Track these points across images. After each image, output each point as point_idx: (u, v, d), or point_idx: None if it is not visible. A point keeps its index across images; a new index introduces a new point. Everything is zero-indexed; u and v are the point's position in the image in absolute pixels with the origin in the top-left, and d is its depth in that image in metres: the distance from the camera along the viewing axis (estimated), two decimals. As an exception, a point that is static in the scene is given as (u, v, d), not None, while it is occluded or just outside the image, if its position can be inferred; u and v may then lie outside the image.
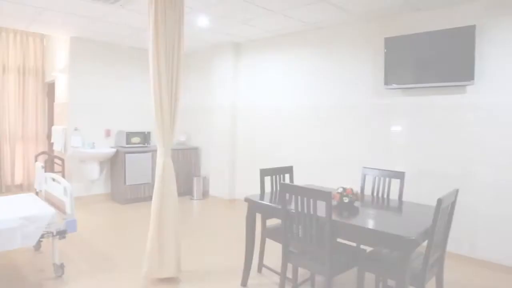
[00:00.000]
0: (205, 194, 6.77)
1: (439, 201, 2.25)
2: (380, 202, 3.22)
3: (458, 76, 3.78)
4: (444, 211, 2.40)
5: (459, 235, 3.93)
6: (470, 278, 3.54)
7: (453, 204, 2.59)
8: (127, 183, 5.99)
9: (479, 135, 3.81)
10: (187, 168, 6.81)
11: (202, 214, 5.72)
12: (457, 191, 2.61)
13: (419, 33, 4.03)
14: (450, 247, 3.94)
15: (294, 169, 3.84)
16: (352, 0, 3.88)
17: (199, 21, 4.80)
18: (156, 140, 3.28)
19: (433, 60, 3.94)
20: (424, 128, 4.16)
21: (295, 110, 5.39)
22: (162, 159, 3.25)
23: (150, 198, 3.39)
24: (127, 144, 6.16)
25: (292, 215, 2.66)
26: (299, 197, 2.55)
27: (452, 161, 3.97)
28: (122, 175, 5.97)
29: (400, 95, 4.32)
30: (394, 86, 4.21)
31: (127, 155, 5.98)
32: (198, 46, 6.40)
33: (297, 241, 2.66)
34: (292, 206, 2.63)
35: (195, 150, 6.92)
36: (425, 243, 2.38)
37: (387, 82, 4.26)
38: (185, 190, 6.78)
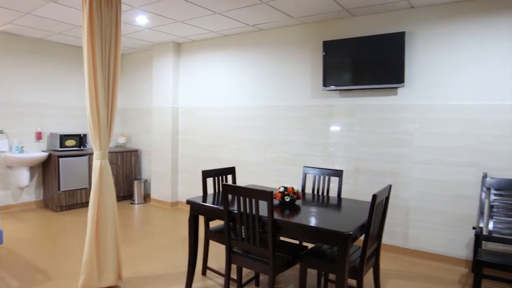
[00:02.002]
0: (146, 197, 6.57)
1: (374, 197, 2.37)
2: (320, 200, 3.32)
3: (391, 79, 4.01)
4: (379, 206, 2.53)
5: (393, 228, 4.19)
6: (404, 267, 3.78)
7: (387, 199, 2.74)
8: (61, 189, 5.63)
9: (409, 134, 4.08)
10: (127, 171, 6.56)
11: (143, 218, 5.53)
12: (390, 187, 2.77)
13: (355, 38, 4.23)
14: (386, 239, 4.21)
15: (236, 169, 3.84)
16: (291, 3, 3.97)
17: (138, 20, 4.65)
18: (91, 143, 3.12)
19: (368, 63, 4.15)
20: (360, 127, 4.37)
21: (237, 111, 5.41)
22: (99, 162, 3.09)
23: (87, 204, 3.22)
24: (61, 147, 5.79)
25: (235, 216, 2.66)
26: (241, 198, 2.56)
27: (386, 159, 4.21)
28: (55, 181, 5.61)
29: (338, 96, 4.50)
30: (332, 87, 4.38)
31: (61, 159, 5.62)
32: (137, 44, 6.19)
33: (241, 242, 2.66)
34: (235, 207, 2.63)
35: (135, 153, 6.69)
36: (362, 237, 2.50)
37: (325, 83, 4.41)
38: (125, 194, 6.54)
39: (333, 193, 3.65)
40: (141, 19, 4.64)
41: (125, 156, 6.51)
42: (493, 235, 3.41)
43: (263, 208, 2.56)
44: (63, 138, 5.83)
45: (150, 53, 6.51)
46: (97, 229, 3.07)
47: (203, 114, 5.83)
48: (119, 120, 7.10)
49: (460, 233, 3.83)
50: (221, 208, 2.83)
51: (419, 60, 4.00)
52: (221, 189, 3.49)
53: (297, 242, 3.42)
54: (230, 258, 2.76)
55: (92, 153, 3.21)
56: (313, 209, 2.99)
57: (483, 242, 3.51)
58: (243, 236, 2.64)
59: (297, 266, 3.29)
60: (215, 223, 3.53)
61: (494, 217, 3.46)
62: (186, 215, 5.46)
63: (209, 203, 3.05)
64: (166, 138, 6.10)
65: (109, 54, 3.09)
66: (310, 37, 4.69)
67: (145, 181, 6.57)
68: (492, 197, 3.52)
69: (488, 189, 3.57)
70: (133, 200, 6.40)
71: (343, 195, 3.63)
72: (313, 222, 2.57)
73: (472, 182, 3.75)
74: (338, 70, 4.34)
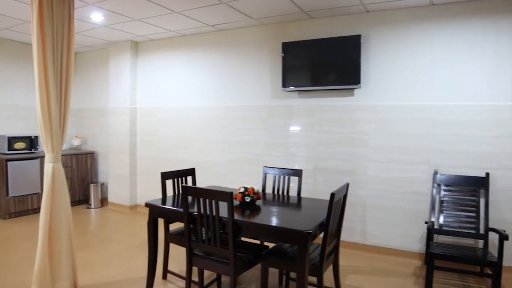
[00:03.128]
0: (104, 201, 6.35)
1: (332, 195, 2.43)
2: (281, 200, 3.35)
3: (347, 80, 4.13)
4: (337, 204, 2.59)
5: (352, 225, 4.31)
6: (362, 263, 3.89)
7: (345, 197, 2.81)
8: (10, 195, 5.31)
9: (365, 134, 4.21)
10: (83, 175, 6.31)
11: (101, 223, 5.34)
12: (347, 185, 2.85)
13: (314, 40, 4.31)
14: (345, 236, 4.32)
15: (197, 171, 3.81)
16: (251, 4, 3.99)
17: (93, 17, 4.48)
18: (43, 145, 2.97)
19: (326, 65, 4.25)
20: (319, 127, 4.46)
21: (197, 111, 5.36)
22: (51, 166, 2.95)
23: (39, 210, 3.05)
24: (9, 150, 5.46)
25: (195, 218, 2.63)
26: (201, 199, 2.53)
27: (344, 158, 4.33)
28: (3, 186, 5.28)
29: (297, 97, 4.57)
30: (292, 88, 4.44)
31: (10, 163, 5.30)
32: (93, 43, 5.97)
33: (201, 244, 2.63)
34: (195, 209, 2.60)
35: (91, 155, 6.44)
36: (322, 235, 2.55)
37: (285, 84, 4.47)
38: (81, 199, 6.28)
39: (293, 192, 3.70)
40: (96, 16, 4.48)
41: (81, 158, 6.26)
42: (444, 228, 3.59)
43: (223, 209, 2.54)
44: (12, 140, 5.51)
45: (106, 51, 6.29)
46: (50, 236, 2.93)
47: (162, 115, 5.72)
48: (74, 121, 6.82)
49: (414, 227, 4.00)
50: (181, 210, 2.79)
51: (375, 62, 4.14)
52: (180, 191, 3.44)
53: (258, 242, 3.43)
54: (191, 260, 2.72)
55: (44, 156, 3.06)
56: (274, 209, 3.01)
57: (434, 235, 3.70)
58: (204, 238, 2.62)
59: (259, 266, 3.30)
60: (175, 226, 3.47)
61: (444, 211, 3.65)
62: (145, 218, 5.32)
63: (168, 206, 2.99)
64: (124, 139, 5.93)
65: (61, 52, 2.96)
66: (270, 38, 4.73)
67: (102, 184, 6.35)
68: (442, 192, 3.71)
69: (439, 185, 3.76)
70: (90, 204, 6.16)
71: (302, 194, 3.69)
72: (273, 221, 2.59)
73: (424, 179, 3.93)
74: (297, 71, 4.40)
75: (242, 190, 2.99)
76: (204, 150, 5.31)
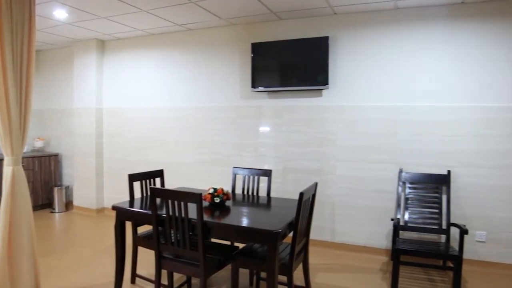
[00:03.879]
0: (68, 205, 6.14)
1: (301, 195, 2.45)
2: (250, 200, 3.36)
3: (316, 81, 4.19)
4: (306, 203, 2.62)
5: (321, 224, 4.37)
6: (332, 260, 3.96)
7: (313, 196, 2.85)
8: (-34, 200, 5.04)
9: (333, 134, 4.29)
10: (46, 178, 6.08)
11: (65, 227, 5.16)
12: (316, 184, 2.89)
13: (283, 40, 4.34)
14: (314, 235, 4.38)
15: (165, 172, 3.75)
16: (220, 4, 3.97)
17: (56, 13, 4.32)
18: (1, 148, 2.83)
19: (295, 65, 4.29)
20: (288, 128, 4.50)
21: (166, 112, 5.28)
22: (11, 169, 2.82)
23: (-3, 215, 2.90)
24: (-35, 153, 5.18)
25: (164, 220, 2.59)
26: (169, 201, 2.50)
27: (312, 158, 4.39)
28: (-41, 191, 5.00)
29: (266, 98, 4.59)
30: (261, 89, 4.45)
31: (-34, 167, 5.04)
32: (56, 40, 5.76)
33: (170, 246, 2.60)
34: (164, 211, 2.56)
35: (55, 157, 6.21)
36: (291, 234, 2.57)
37: (254, 85, 4.48)
38: (44, 203, 6.05)
39: (262, 192, 3.72)
40: (60, 13, 4.32)
41: (43, 161, 6.02)
42: (409, 225, 3.71)
43: (192, 210, 2.52)
44: (-32, 142, 5.22)
45: (71, 50, 6.09)
46: (10, 243, 2.79)
47: (130, 116, 5.59)
48: (36, 122, 6.55)
49: (381, 224, 4.11)
50: (149, 212, 2.73)
51: (342, 64, 4.22)
52: (149, 193, 3.37)
53: (228, 243, 3.42)
54: (160, 263, 2.68)
55: (3, 159, 2.92)
56: (243, 209, 3.01)
57: (400, 231, 3.81)
58: (173, 240, 2.58)
59: (229, 267, 3.29)
60: (144, 229, 3.40)
61: (409, 208, 3.77)
62: (112, 222, 5.18)
63: (136, 208, 2.93)
64: (90, 141, 5.76)
65: (21, 50, 2.83)
66: (239, 39, 4.73)
67: (67, 187, 6.13)
68: (407, 190, 3.83)
69: (404, 183, 3.87)
70: (54, 209, 5.94)
71: (272, 194, 3.71)
72: (243, 222, 2.59)
73: (390, 177, 4.05)
74: (266, 71, 4.42)
75: (211, 191, 2.97)
76: (173, 151, 5.23)
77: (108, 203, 5.80)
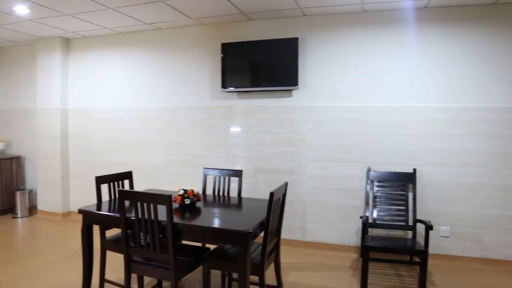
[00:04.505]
0: (32, 209, 5.89)
1: (272, 194, 2.46)
2: (221, 201, 3.34)
3: (286, 81, 4.22)
4: (277, 203, 2.63)
5: (292, 223, 4.41)
6: (303, 259, 4.00)
7: (284, 196, 2.87)
8: None
9: (303, 134, 4.34)
10: (7, 181, 5.81)
11: (29, 233, 4.95)
12: (286, 184, 2.91)
13: (253, 41, 4.35)
14: (285, 234, 4.41)
15: (134, 174, 3.68)
16: (189, 4, 3.93)
17: (17, 9, 4.13)
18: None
19: (265, 66, 4.31)
20: (259, 128, 4.51)
21: (134, 112, 5.17)
22: (-32, 173, 2.67)
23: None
24: None
25: (133, 223, 2.53)
26: (138, 203, 2.44)
27: (283, 158, 4.42)
28: None
29: (237, 98, 4.59)
30: (231, 89, 4.44)
31: None
32: (18, 37, 5.52)
33: (140, 249, 2.54)
34: (133, 214, 2.50)
35: (17, 160, 5.95)
36: (262, 234, 2.57)
37: (224, 85, 4.46)
38: (5, 208, 5.78)
39: (233, 193, 3.71)
40: (21, 9, 4.14)
41: (4, 164, 5.76)
42: (377, 222, 3.80)
43: (162, 212, 2.48)
44: None
45: (33, 47, 5.86)
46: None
47: (97, 116, 5.44)
48: (-4, 124, 6.26)
49: (350, 223, 4.19)
50: (118, 215, 2.67)
51: (312, 64, 4.28)
52: (117, 195, 3.29)
53: (199, 244, 3.39)
54: (129, 267, 2.61)
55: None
56: (214, 210, 2.99)
57: (369, 229, 3.90)
58: (142, 243, 2.53)
59: (201, 269, 3.26)
60: (112, 232, 3.31)
61: (377, 206, 3.86)
62: (79, 226, 5.03)
63: (104, 211, 2.85)
64: (55, 142, 5.55)
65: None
66: (209, 39, 4.70)
67: (30, 191, 5.89)
68: (375, 188, 3.93)
69: (372, 181, 3.97)
70: (16, 214, 5.69)
71: (243, 195, 3.71)
72: (213, 223, 2.57)
73: (359, 176, 4.14)
74: (236, 72, 4.42)
75: (181, 192, 2.93)
76: (141, 152, 5.13)
77: (75, 206, 5.62)
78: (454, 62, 3.84)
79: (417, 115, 3.96)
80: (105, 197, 3.33)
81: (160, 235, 2.48)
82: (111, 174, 3.35)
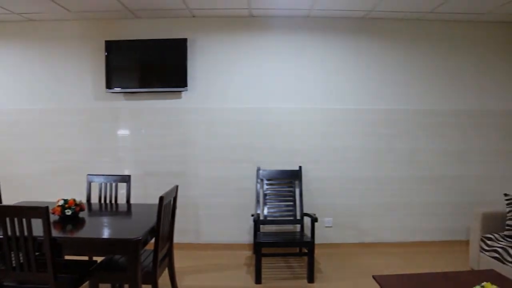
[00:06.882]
0: None
1: (161, 198, 2.40)
2: (108, 208, 3.14)
3: (175, 82, 4.15)
4: (167, 207, 2.57)
5: (185, 226, 4.35)
6: (198, 261, 3.97)
7: (174, 199, 2.82)
8: None
9: (194, 135, 4.32)
10: None
11: None
12: (177, 187, 2.86)
13: (140, 40, 4.17)
14: (178, 238, 4.31)
15: (3, 186, 3.23)
16: (66, -5, 3.59)
17: None
18: None
19: (154, 66, 4.17)
20: (148, 130, 4.35)
21: (2, 115, 4.51)
22: None
23: None
24: None
25: (2, 242, 2.21)
26: (7, 219, 2.14)
27: (174, 160, 4.34)
28: None
29: (123, 99, 4.35)
30: (117, 90, 4.20)
31: None
32: None
33: (12, 272, 2.23)
34: (1, 231, 2.19)
35: None
36: (153, 240, 2.49)
37: (109, 85, 4.19)
38: None
39: (122, 199, 3.51)
40: None
41: None
42: (268, 218, 3.98)
43: (39, 227, 2.21)
44: None
45: None
46: None
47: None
48: None
49: (243, 221, 4.31)
50: (-20, 234, 2.30)
51: (201, 66, 4.28)
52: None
53: (86, 258, 3.13)
54: (-3, 293, 2.28)
55: None
56: (100, 220, 2.80)
57: (261, 226, 4.06)
58: (14, 265, 2.23)
59: (87, 285, 3.01)
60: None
61: (267, 203, 4.05)
62: None
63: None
64: None
65: None
66: (91, 35, 4.35)
67: None
68: (265, 186, 4.11)
69: (262, 180, 4.14)
70: None
71: (132, 200, 3.53)
72: (99, 233, 2.40)
73: (250, 175, 4.28)
74: (122, 72, 4.19)
75: (61, 202, 2.67)
76: (12, 161, 4.49)
77: None
78: (333, 68, 4.25)
79: (302, 116, 4.27)
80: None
81: (37, 253, 2.21)
82: (-28, 188, 2.89)
